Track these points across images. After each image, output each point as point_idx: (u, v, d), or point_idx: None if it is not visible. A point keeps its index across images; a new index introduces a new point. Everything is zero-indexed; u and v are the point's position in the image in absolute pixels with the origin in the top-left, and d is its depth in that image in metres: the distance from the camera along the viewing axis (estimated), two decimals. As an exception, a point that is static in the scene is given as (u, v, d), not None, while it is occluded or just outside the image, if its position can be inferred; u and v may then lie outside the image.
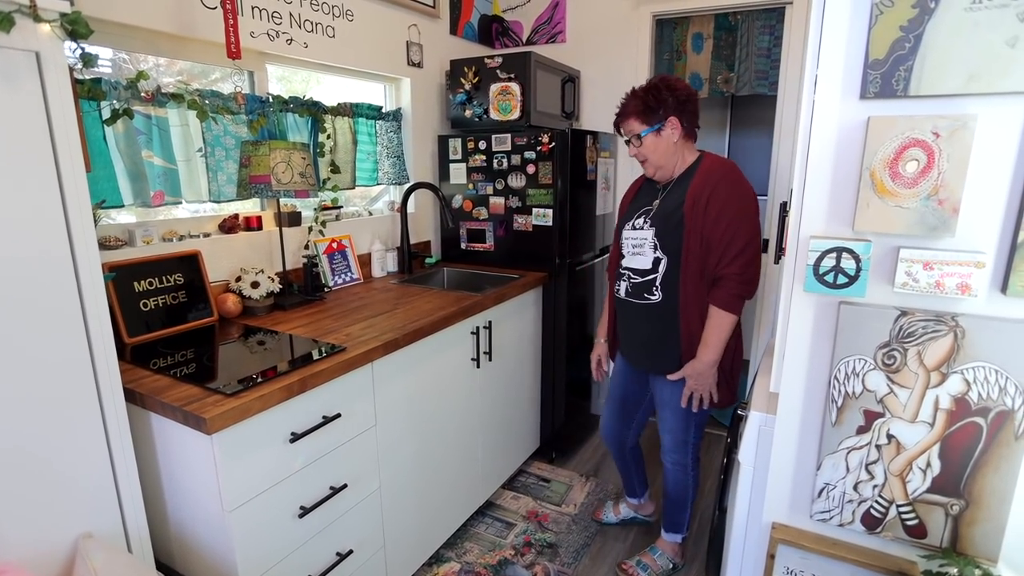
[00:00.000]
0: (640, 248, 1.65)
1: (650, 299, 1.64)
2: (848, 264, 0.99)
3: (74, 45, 0.99)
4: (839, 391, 1.03)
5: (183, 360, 1.36)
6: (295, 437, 1.27)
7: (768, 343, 1.57)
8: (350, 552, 1.48)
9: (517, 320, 2.24)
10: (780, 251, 1.37)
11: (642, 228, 1.64)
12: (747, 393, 1.58)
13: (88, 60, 1.04)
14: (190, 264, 1.65)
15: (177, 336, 1.54)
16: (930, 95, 0.84)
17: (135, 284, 1.50)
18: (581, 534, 2.01)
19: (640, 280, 1.66)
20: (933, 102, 0.85)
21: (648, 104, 1.54)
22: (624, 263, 1.71)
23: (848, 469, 1.05)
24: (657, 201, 1.64)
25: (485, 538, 2.00)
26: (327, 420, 1.35)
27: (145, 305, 1.52)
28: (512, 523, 2.07)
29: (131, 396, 1.20)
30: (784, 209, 1.75)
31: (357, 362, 1.40)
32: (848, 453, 1.05)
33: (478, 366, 1.99)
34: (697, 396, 1.62)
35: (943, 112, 0.84)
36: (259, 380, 1.22)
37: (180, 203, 1.69)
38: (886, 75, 0.86)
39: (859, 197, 0.94)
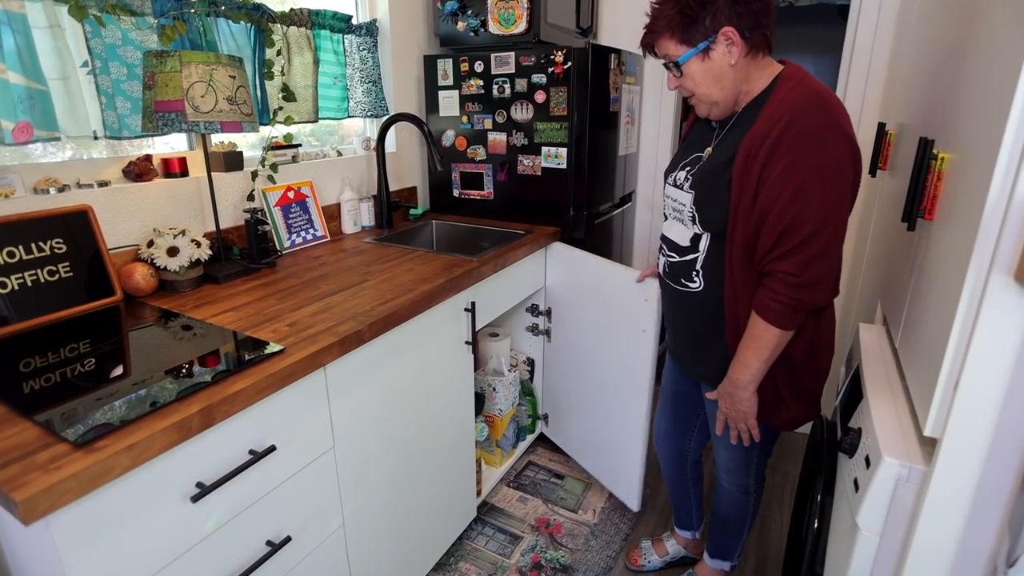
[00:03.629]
0: (679, 214, 1.17)
1: (689, 287, 1.19)
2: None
3: None
4: (1062, 452, 0.64)
5: (45, 366, 0.94)
6: (203, 491, 0.86)
7: (852, 344, 1.13)
8: (304, 613, 1.11)
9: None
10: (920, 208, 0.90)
11: (682, 188, 1.16)
12: (836, 409, 1.15)
13: None
14: (77, 225, 1.20)
15: (55, 327, 1.11)
16: None
17: (-15, 256, 1.06)
18: (602, 552, 1.66)
19: (677, 260, 1.20)
20: None
21: (687, 12, 1.01)
22: (664, 228, 1.25)
23: (1059, 567, 0.67)
24: (710, 148, 1.14)
25: (484, 556, 1.65)
26: (257, 456, 0.95)
27: (4, 285, 1.08)
28: (518, 535, 1.72)
29: (-61, 439, 0.78)
30: (883, 131, 1.21)
31: (299, 370, 0.98)
32: (1063, 545, 0.66)
33: (474, 350, 1.58)
34: (733, 427, 1.18)
35: None
36: (138, 412, 0.80)
37: (58, 139, 1.22)
38: None
39: None
